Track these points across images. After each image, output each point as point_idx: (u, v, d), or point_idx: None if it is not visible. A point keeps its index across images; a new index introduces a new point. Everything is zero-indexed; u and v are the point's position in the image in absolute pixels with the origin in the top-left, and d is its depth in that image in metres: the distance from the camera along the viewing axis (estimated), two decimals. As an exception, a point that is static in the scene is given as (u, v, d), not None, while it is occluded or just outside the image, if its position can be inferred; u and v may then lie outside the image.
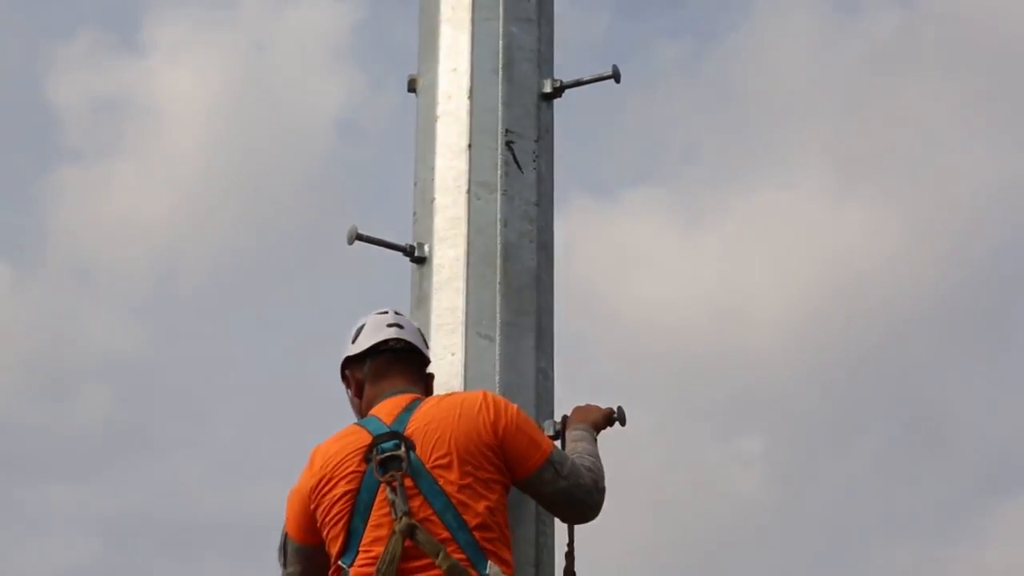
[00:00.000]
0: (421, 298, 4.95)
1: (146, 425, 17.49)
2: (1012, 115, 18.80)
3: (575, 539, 4.77)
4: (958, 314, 18.57)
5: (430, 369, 4.73)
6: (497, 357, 4.82)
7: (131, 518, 16.31)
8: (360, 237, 4.97)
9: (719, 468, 17.04)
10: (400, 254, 5.02)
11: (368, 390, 4.62)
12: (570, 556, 4.76)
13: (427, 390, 4.66)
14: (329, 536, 4.41)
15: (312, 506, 4.46)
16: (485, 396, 4.49)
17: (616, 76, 5.10)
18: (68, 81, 19.32)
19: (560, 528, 4.78)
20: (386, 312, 4.70)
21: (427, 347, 4.75)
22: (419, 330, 4.74)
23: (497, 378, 4.78)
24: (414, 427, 4.41)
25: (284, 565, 4.57)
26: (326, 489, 4.42)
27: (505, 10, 5.13)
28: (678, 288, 18.74)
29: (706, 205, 19.52)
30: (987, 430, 17.67)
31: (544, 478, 4.44)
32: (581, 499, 4.50)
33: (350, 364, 4.67)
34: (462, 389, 4.75)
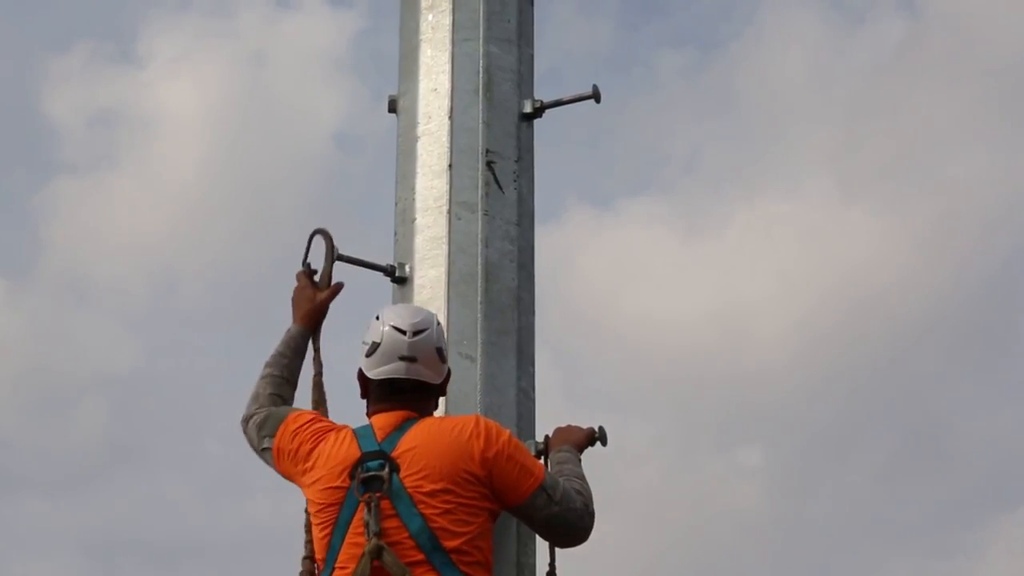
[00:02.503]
0: (402, 318, 4.95)
1: (140, 441, 17.40)
2: (1020, 124, 18.76)
3: (556, 559, 4.77)
4: (960, 327, 18.53)
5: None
6: (478, 377, 4.83)
7: (116, 535, 16.23)
8: (340, 257, 4.98)
9: (719, 481, 17.02)
10: (381, 274, 5.03)
11: (371, 404, 4.63)
12: (552, 576, 4.77)
13: (433, 408, 4.65)
14: (316, 536, 4.51)
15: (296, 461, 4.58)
16: (477, 422, 4.50)
17: (596, 96, 5.11)
18: (64, 93, 19.25)
19: (541, 549, 4.79)
20: (403, 332, 4.55)
21: (443, 358, 4.62)
22: (437, 342, 4.59)
23: (478, 398, 4.80)
24: (403, 448, 4.44)
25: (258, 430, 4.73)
26: (314, 479, 4.51)
27: (485, 31, 5.14)
28: (678, 299, 18.72)
29: (707, 215, 19.51)
30: (987, 444, 17.64)
31: (536, 504, 4.47)
32: (573, 522, 4.52)
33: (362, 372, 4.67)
34: (444, 409, 4.76)
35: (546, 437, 4.83)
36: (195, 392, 17.70)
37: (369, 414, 4.61)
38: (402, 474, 4.39)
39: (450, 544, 4.33)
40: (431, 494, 4.37)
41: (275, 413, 4.72)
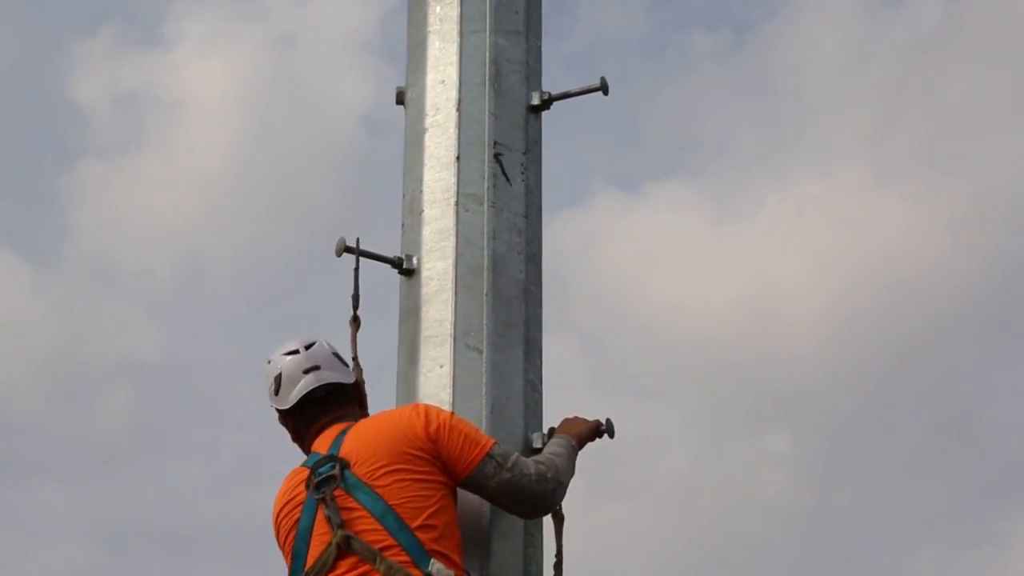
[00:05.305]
0: (410, 310, 4.97)
1: (163, 429, 17.38)
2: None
3: (563, 550, 4.78)
4: (992, 313, 18.45)
5: (422, 382, 4.81)
6: (485, 369, 4.83)
7: (131, 522, 16.22)
8: (348, 249, 5.00)
9: (746, 467, 17.00)
10: (388, 266, 5.04)
11: (306, 433, 4.73)
12: (559, 567, 4.77)
13: (361, 405, 4.78)
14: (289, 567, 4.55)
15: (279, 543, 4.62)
16: (416, 406, 4.62)
17: (604, 88, 5.11)
18: (90, 76, 19.23)
19: (548, 542, 4.79)
20: (296, 351, 4.75)
21: (344, 363, 4.80)
22: (331, 349, 4.79)
23: (485, 390, 4.80)
24: (348, 447, 4.54)
25: None
26: (282, 528, 4.58)
27: (493, 22, 5.14)
28: (708, 284, 18.68)
29: (739, 199, 19.45)
30: (1016, 432, 17.56)
31: (486, 472, 4.50)
32: (527, 487, 4.54)
33: (282, 414, 4.79)
34: (451, 401, 4.79)
35: (551, 429, 4.84)
36: (219, 380, 17.71)
37: (309, 444, 4.70)
38: (354, 468, 4.47)
39: (415, 522, 4.39)
40: (385, 476, 4.44)
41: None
